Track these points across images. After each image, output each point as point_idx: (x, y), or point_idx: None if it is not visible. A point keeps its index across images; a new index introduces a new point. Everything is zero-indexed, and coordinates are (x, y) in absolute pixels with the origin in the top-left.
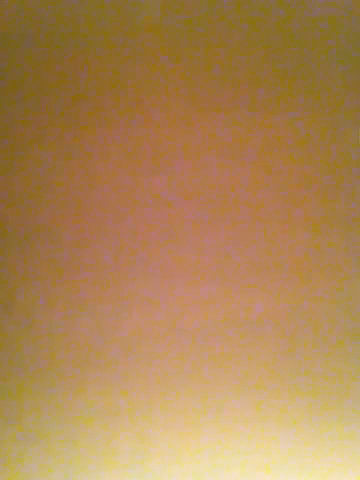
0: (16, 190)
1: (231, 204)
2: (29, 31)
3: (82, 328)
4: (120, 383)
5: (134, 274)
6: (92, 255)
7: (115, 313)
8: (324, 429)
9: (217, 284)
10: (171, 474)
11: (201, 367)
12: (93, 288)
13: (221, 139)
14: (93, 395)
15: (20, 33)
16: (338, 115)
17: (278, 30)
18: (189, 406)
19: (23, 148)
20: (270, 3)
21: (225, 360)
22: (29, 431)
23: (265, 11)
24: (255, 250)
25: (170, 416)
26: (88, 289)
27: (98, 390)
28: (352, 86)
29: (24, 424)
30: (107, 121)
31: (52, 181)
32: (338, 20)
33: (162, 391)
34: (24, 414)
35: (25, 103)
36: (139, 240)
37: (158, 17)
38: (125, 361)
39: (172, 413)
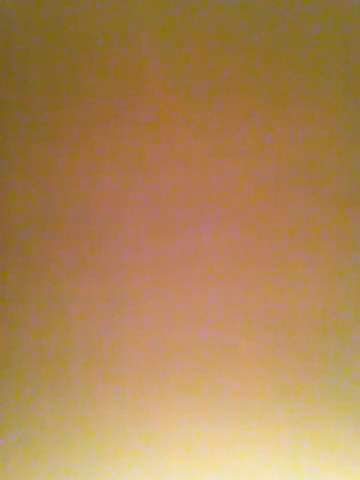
0: (17, 188)
1: (231, 203)
2: (32, 31)
3: (82, 327)
4: (119, 382)
5: (136, 273)
6: (94, 253)
7: (115, 312)
8: (325, 429)
9: (217, 283)
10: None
11: (202, 369)
12: (95, 287)
13: (221, 138)
14: (92, 395)
15: (23, 33)
16: (339, 115)
17: (278, 28)
18: (190, 406)
19: (24, 147)
20: (270, 4)
21: (225, 359)
22: (26, 434)
23: (265, 9)
24: (255, 249)
25: (171, 416)
26: (90, 288)
27: (98, 390)
28: (353, 85)
29: (20, 427)
30: (108, 121)
31: (54, 180)
32: (338, 18)
33: (162, 391)
34: (21, 416)
35: (26, 102)
36: (141, 239)
37: (158, 16)
38: (124, 362)
39: (173, 412)
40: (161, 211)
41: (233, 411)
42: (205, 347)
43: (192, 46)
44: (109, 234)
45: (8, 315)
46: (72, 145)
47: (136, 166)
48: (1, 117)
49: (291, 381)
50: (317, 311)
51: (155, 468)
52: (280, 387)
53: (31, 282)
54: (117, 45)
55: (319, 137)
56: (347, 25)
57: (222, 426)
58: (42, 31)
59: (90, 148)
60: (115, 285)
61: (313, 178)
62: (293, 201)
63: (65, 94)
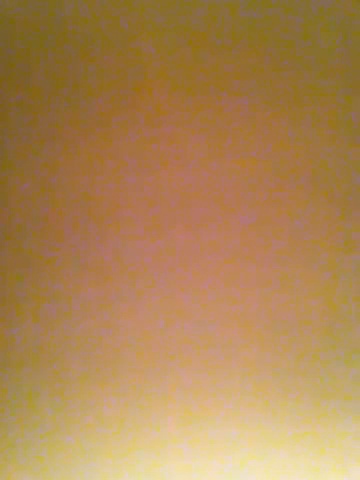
0: (17, 188)
1: (231, 203)
2: (32, 31)
3: (82, 327)
4: (119, 381)
5: (136, 273)
6: (94, 253)
7: (115, 312)
8: (324, 428)
9: (217, 282)
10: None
11: (202, 369)
12: (95, 286)
13: (222, 138)
14: (92, 394)
15: (24, 33)
16: (340, 114)
17: (277, 29)
18: (190, 406)
19: (24, 147)
20: (270, 3)
21: (225, 359)
22: (26, 431)
23: (265, 10)
24: (255, 249)
25: (170, 415)
26: (90, 287)
27: (97, 390)
28: (353, 84)
29: (21, 425)
30: (109, 121)
31: (54, 180)
32: (338, 18)
33: (161, 390)
34: (21, 413)
35: (27, 102)
36: (141, 239)
37: (159, 17)
38: (124, 361)
39: (173, 412)
40: (161, 211)
41: (233, 411)
42: (205, 347)
43: (192, 46)
44: (109, 234)
45: (8, 315)
46: (72, 145)
47: (136, 166)
48: (1, 117)
49: (291, 381)
50: (317, 311)
51: (155, 467)
52: (280, 387)
53: (31, 282)
54: (117, 45)
55: (319, 137)
56: (347, 25)
57: (222, 426)
58: (43, 31)
59: (90, 148)
60: (115, 285)
61: (313, 178)
62: (293, 201)
63: (65, 94)
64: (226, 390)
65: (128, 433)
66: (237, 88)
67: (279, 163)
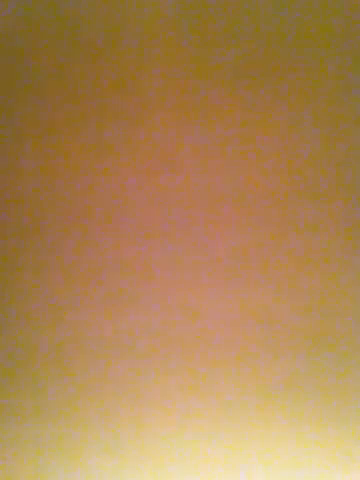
0: (17, 189)
1: (232, 203)
2: (31, 30)
3: (83, 323)
4: (119, 380)
5: (134, 272)
6: (93, 253)
7: (115, 310)
8: (330, 431)
9: (218, 283)
10: (167, 474)
11: (201, 367)
12: (93, 286)
13: (223, 138)
14: (91, 392)
15: (22, 31)
16: (339, 114)
17: (277, 28)
18: (189, 405)
19: (24, 147)
20: (271, 3)
21: (225, 358)
22: (25, 428)
23: (265, 9)
24: (256, 249)
25: (169, 414)
26: (88, 287)
27: (96, 387)
28: (352, 84)
29: (19, 420)
30: (109, 121)
31: (54, 180)
32: (337, 15)
33: (160, 390)
34: (21, 410)
35: (27, 102)
36: (140, 239)
37: (160, 16)
38: (124, 359)
39: (171, 411)
40: (160, 212)
41: (233, 410)
42: (204, 346)
43: (192, 47)
44: (108, 234)
45: (7, 314)
46: (72, 145)
47: (136, 167)
48: (1, 118)
49: (291, 380)
50: (317, 311)
51: (153, 466)
52: (280, 387)
53: (31, 282)
54: (117, 45)
55: (318, 137)
56: (348, 24)
57: (222, 426)
58: (42, 30)
59: (90, 149)
60: (115, 284)
61: (313, 179)
62: (293, 203)
63: (66, 95)
64: (226, 389)
65: (127, 433)
66: (237, 90)
67: (282, 164)
